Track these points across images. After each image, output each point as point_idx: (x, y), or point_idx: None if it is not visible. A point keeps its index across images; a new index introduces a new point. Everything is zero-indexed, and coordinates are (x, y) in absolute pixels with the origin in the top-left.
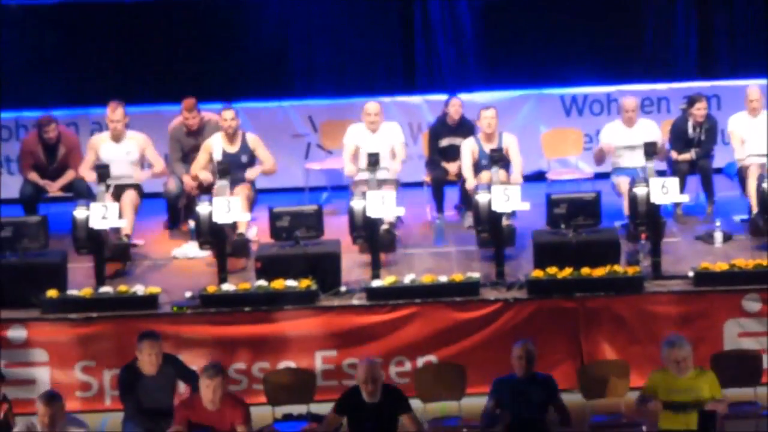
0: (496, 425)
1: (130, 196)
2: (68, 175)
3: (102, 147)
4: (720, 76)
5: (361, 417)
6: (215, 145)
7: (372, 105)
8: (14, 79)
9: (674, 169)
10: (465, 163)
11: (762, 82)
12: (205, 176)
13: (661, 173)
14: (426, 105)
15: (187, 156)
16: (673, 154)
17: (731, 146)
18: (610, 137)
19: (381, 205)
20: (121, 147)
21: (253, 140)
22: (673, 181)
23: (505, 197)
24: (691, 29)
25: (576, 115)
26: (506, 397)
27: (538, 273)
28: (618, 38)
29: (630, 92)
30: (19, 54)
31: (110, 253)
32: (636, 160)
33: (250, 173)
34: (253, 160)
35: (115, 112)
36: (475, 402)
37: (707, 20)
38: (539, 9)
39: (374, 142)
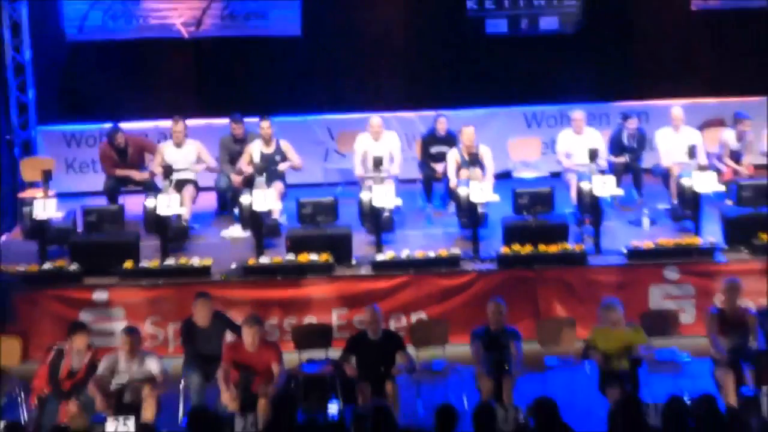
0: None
1: (188, 190)
2: (144, 174)
3: (166, 151)
4: (649, 97)
5: (367, 352)
6: (255, 148)
7: (376, 119)
8: (101, 98)
9: (613, 169)
10: (450, 168)
11: (683, 101)
12: (247, 169)
13: (602, 172)
14: (418, 119)
15: (234, 159)
16: (611, 158)
17: (658, 153)
18: (564, 142)
19: (383, 197)
20: (182, 151)
21: (284, 144)
22: (611, 178)
23: (480, 191)
24: (630, 60)
25: (535, 127)
26: (482, 344)
27: (506, 249)
28: (570, 67)
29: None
30: (103, 78)
31: (173, 233)
32: (585, 159)
33: (282, 166)
34: (284, 160)
35: (177, 125)
36: (456, 349)
37: (640, 51)
38: (516, 47)
39: (378, 148)
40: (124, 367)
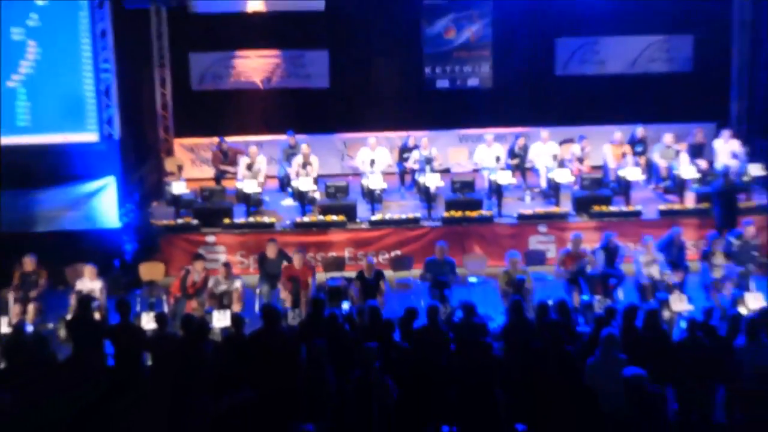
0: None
1: (262, 176)
2: (237, 168)
3: (249, 152)
4: (529, 125)
5: (365, 284)
6: (298, 158)
7: (372, 139)
8: (212, 123)
9: (510, 167)
10: (413, 164)
11: (549, 128)
12: (297, 168)
13: (502, 169)
14: (397, 137)
15: (289, 159)
16: (508, 161)
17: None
18: (480, 152)
19: (376, 182)
20: (261, 152)
21: (313, 158)
22: (508, 173)
23: (433, 179)
24: (519, 105)
25: (465, 142)
26: (432, 269)
27: (446, 214)
28: (484, 107)
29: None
30: (213, 112)
31: (252, 203)
32: (491, 165)
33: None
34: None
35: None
36: (417, 272)
37: (524, 101)
38: (454, 95)
39: (373, 155)
40: (223, 283)
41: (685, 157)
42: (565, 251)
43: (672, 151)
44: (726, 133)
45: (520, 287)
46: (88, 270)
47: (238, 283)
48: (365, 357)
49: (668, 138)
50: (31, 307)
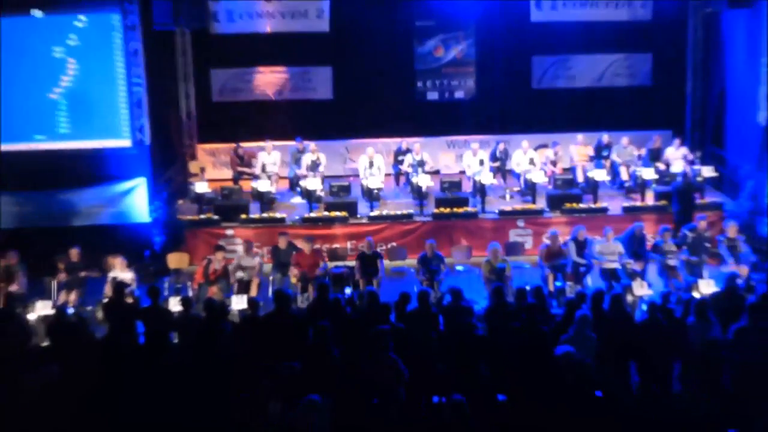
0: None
1: (274, 178)
2: (253, 170)
3: (260, 156)
4: (511, 133)
5: (365, 261)
6: (307, 158)
7: (370, 148)
8: (230, 130)
9: (493, 170)
10: (408, 167)
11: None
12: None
13: (485, 172)
14: (392, 142)
15: (297, 162)
16: (491, 164)
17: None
18: (467, 157)
19: (375, 182)
20: (270, 157)
21: (322, 156)
22: (490, 175)
23: (424, 180)
24: (502, 115)
25: (453, 148)
26: (424, 264)
27: (436, 210)
28: (470, 117)
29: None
30: (231, 120)
31: (266, 200)
32: (475, 168)
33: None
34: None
35: (267, 144)
36: (411, 261)
37: (510, 111)
38: (443, 106)
39: (372, 160)
40: (245, 258)
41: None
42: (544, 246)
43: (628, 151)
44: (677, 141)
45: (501, 275)
46: (119, 261)
47: (257, 260)
48: (380, 339)
49: (625, 140)
50: (72, 292)
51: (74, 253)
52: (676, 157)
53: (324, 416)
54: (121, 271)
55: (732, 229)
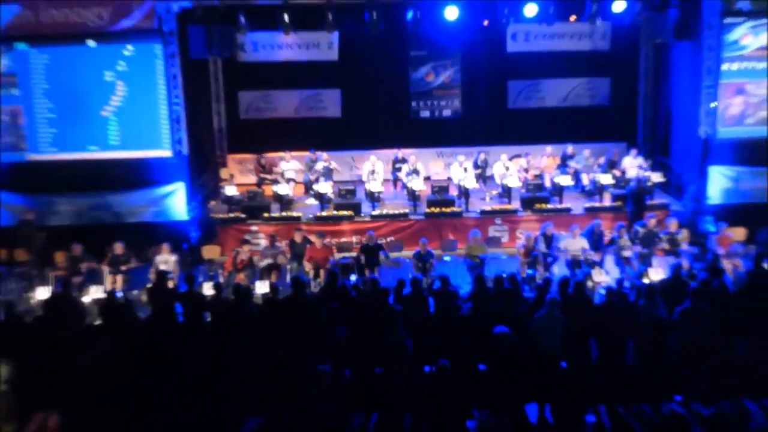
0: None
1: (291, 183)
2: (273, 176)
3: (280, 164)
4: (490, 144)
5: (368, 251)
6: (320, 165)
7: (373, 157)
8: (253, 143)
9: (476, 176)
10: (404, 174)
11: (504, 147)
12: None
13: (469, 178)
14: (391, 153)
15: (311, 169)
16: (474, 171)
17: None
18: (455, 167)
19: (376, 186)
20: (288, 165)
21: (333, 163)
22: (473, 179)
23: (418, 184)
24: (481, 130)
25: (443, 157)
26: (418, 258)
27: (428, 210)
28: (457, 131)
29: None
30: (255, 134)
31: (284, 201)
32: (461, 174)
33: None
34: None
35: (286, 155)
36: (407, 253)
37: (485, 127)
38: (434, 122)
39: (373, 167)
40: (269, 250)
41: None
42: (522, 246)
43: (589, 161)
44: (633, 151)
45: (480, 265)
46: (165, 248)
47: (277, 259)
48: (392, 319)
49: (587, 152)
50: (120, 278)
51: (118, 247)
52: (633, 165)
53: (330, 383)
54: (167, 256)
55: (673, 225)
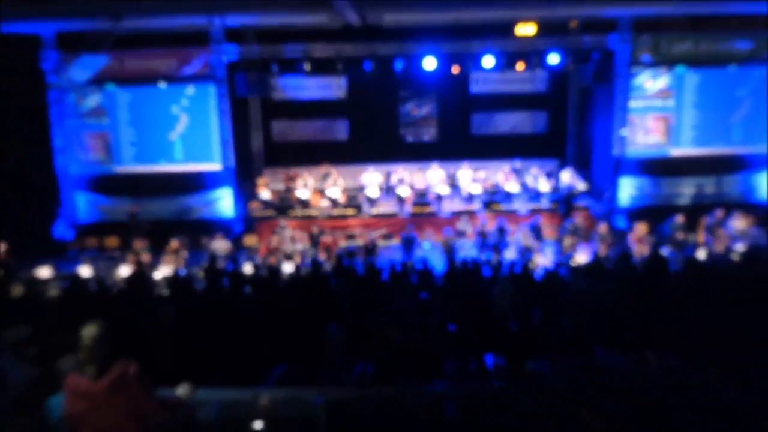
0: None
1: (311, 189)
2: (297, 184)
3: (303, 175)
4: (464, 159)
5: (367, 248)
6: (333, 177)
7: (371, 170)
8: (281, 160)
9: (448, 183)
10: (394, 182)
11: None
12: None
13: (444, 186)
14: (384, 168)
15: (325, 179)
16: (452, 182)
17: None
18: (432, 178)
19: (373, 192)
20: (309, 176)
21: (340, 179)
22: (447, 188)
23: (404, 191)
24: (457, 150)
25: (423, 170)
26: (405, 243)
27: (412, 211)
28: (435, 151)
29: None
30: (283, 154)
31: (305, 204)
32: (436, 183)
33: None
34: (336, 180)
35: (306, 169)
36: (396, 242)
37: (460, 146)
38: (420, 145)
39: (371, 178)
40: (290, 245)
41: (544, 180)
42: (478, 232)
43: (532, 173)
44: (567, 168)
45: (450, 248)
46: (217, 237)
47: (299, 246)
48: (403, 291)
49: (534, 169)
50: (181, 260)
51: (174, 242)
52: (566, 176)
53: (338, 340)
54: (218, 243)
55: (593, 221)
